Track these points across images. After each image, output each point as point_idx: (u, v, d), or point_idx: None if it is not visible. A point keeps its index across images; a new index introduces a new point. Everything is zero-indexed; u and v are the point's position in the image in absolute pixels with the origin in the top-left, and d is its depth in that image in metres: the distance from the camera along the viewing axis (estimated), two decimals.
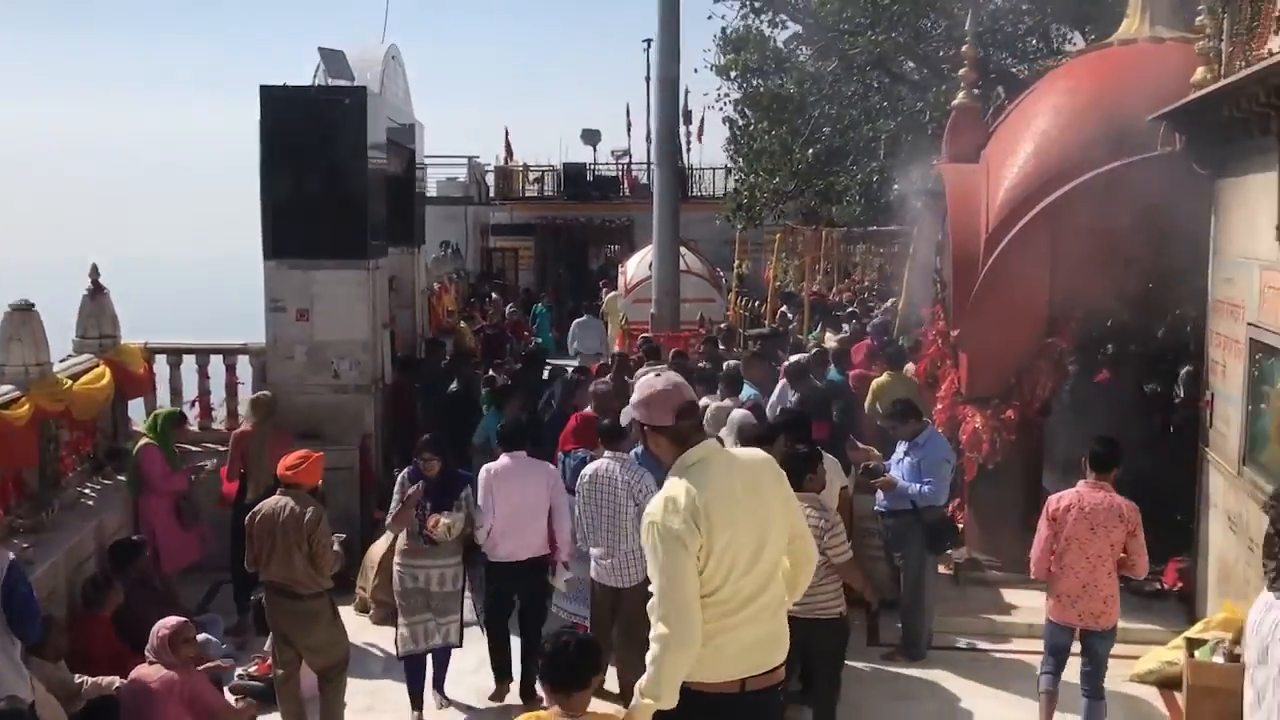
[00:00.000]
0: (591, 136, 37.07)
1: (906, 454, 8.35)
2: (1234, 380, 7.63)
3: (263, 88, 10.41)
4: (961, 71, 10.82)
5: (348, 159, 10.56)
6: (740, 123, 18.39)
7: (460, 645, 7.70)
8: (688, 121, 37.00)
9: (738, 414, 9.66)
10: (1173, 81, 9.00)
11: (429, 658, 7.63)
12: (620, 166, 37.23)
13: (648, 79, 40.37)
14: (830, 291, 20.90)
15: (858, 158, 15.71)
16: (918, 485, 8.17)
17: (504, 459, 7.75)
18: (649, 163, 38.16)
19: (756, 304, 21.54)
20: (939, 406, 9.96)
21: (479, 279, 30.81)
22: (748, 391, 10.44)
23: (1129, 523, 6.54)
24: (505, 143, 37.55)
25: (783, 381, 10.63)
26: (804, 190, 17.09)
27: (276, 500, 6.71)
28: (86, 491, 9.38)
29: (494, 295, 25.02)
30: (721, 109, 18.88)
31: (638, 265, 22.07)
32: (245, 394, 10.96)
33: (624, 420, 7.58)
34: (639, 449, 8.18)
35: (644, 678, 3.96)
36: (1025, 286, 9.29)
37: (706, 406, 10.03)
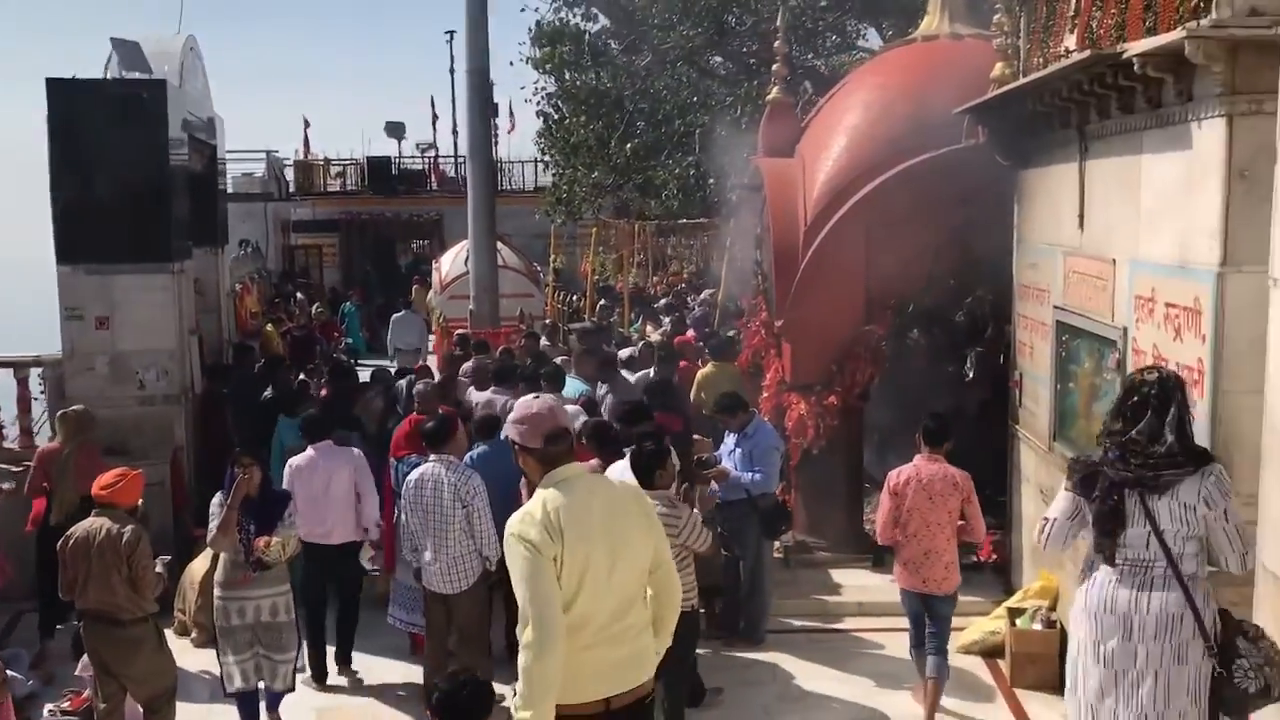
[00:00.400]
0: (396, 129, 36.39)
1: (737, 445, 8.44)
2: (1042, 361, 8.06)
3: (50, 81, 9.70)
4: (774, 67, 11.06)
5: (147, 156, 9.95)
6: (555, 116, 18.31)
7: (294, 689, 7.30)
8: (497, 114, 36.82)
9: (570, 410, 9.65)
10: (974, 76, 9.44)
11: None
12: (427, 160, 36.62)
13: (452, 71, 40.03)
14: (647, 285, 21.09)
15: (673, 152, 15.89)
16: (750, 474, 8.29)
17: (308, 450, 7.94)
18: (457, 156, 37.78)
19: (575, 298, 21.55)
20: (765, 395, 10.16)
21: (282, 278, 29.74)
22: (576, 387, 10.42)
23: (963, 490, 6.92)
24: (304, 136, 36.49)
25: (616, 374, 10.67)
26: (623, 184, 17.15)
27: (91, 522, 6.28)
28: None
29: (299, 295, 24.14)
30: (536, 103, 18.75)
31: (453, 261, 21.76)
32: (40, 410, 10.23)
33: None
34: (475, 451, 8.07)
35: (518, 693, 3.99)
36: (843, 276, 9.56)
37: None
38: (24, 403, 10.29)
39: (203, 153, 12.51)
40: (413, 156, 36.87)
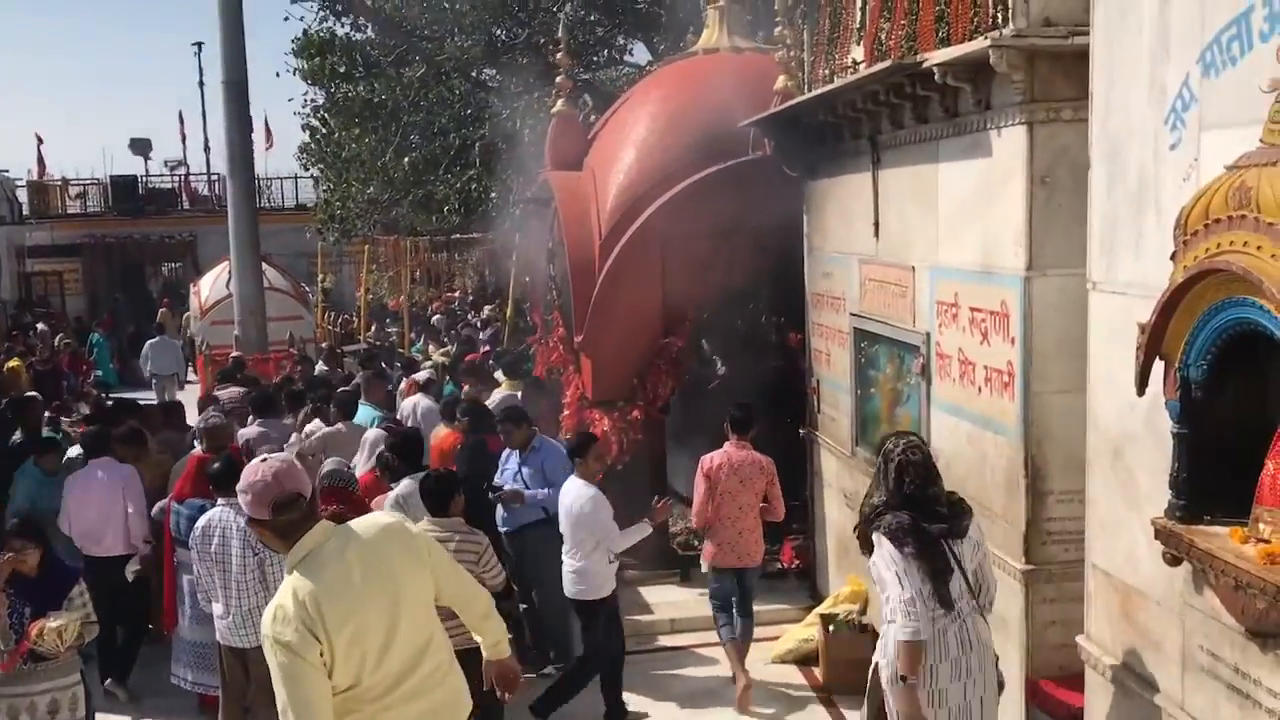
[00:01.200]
0: (141, 146, 34.30)
1: (523, 464, 8.14)
2: (840, 367, 8.19)
3: None
4: (558, 79, 10.89)
5: None
6: (323, 130, 17.54)
7: None
8: (253, 129, 35.19)
9: (373, 433, 9.14)
10: (757, 89, 9.59)
11: None
12: (177, 178, 34.64)
13: (202, 84, 38.06)
14: (426, 303, 20.57)
15: (450, 166, 15.46)
16: (544, 490, 8.01)
17: (89, 465, 8.11)
18: (210, 173, 35.96)
19: (347, 318, 20.79)
20: (566, 413, 9.96)
21: (19, 308, 27.54)
22: (368, 414, 9.94)
23: (767, 473, 7.59)
24: (38, 153, 33.90)
25: (414, 399, 10.26)
26: (400, 199, 16.58)
27: None
28: None
29: (40, 326, 22.32)
30: (303, 116, 17.90)
31: (213, 284, 20.59)
32: None
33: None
34: None
35: None
36: (640, 290, 9.47)
37: (311, 434, 9.45)
38: None
39: None
40: (161, 175, 34.85)
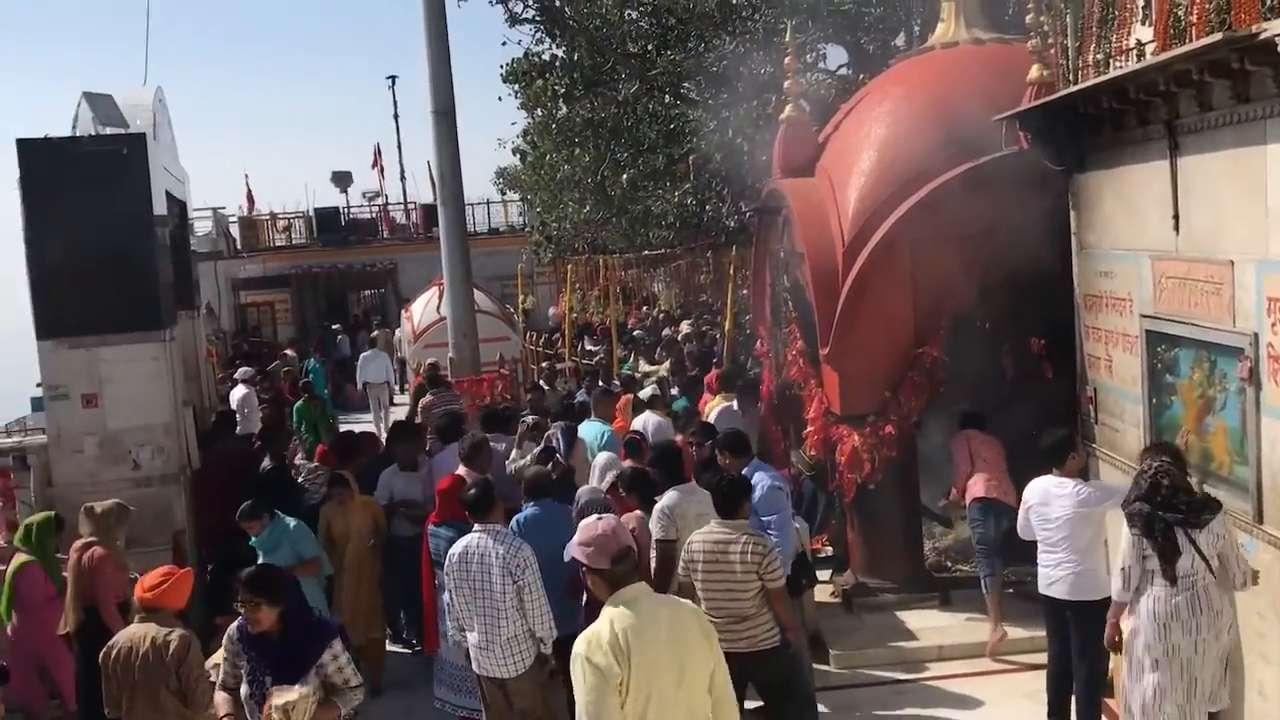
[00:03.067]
0: (342, 179, 35.56)
1: None
2: (1126, 374, 7.55)
3: (20, 141, 8.91)
4: (786, 84, 10.55)
5: (131, 216, 9.19)
6: (533, 153, 17.66)
7: None
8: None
9: (603, 458, 9.03)
10: (1004, 81, 9.06)
11: None
12: (376, 208, 35.84)
13: (396, 116, 39.43)
14: (625, 320, 20.52)
15: (660, 180, 15.30)
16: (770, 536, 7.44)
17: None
18: (406, 202, 37.09)
19: (553, 337, 20.93)
20: (810, 429, 9.59)
21: (237, 338, 28.84)
22: (596, 429, 9.80)
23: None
24: (247, 190, 35.55)
25: (644, 415, 10.10)
26: (613, 217, 16.54)
27: (135, 629, 5.53)
28: None
29: (288, 352, 23.36)
30: (505, 143, 18.08)
31: (424, 309, 21.07)
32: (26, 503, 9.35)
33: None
34: (523, 514, 7.38)
35: None
36: (889, 298, 9.06)
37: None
38: (7, 495, 9.41)
39: (176, 210, 11.72)
40: (361, 206, 36.07)
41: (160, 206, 9.88)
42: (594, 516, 4.59)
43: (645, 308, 24.14)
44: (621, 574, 4.35)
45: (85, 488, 9.23)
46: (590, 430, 9.88)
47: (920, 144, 9.25)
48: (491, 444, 9.17)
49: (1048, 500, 6.99)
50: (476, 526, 6.72)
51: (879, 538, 9.41)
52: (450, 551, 6.75)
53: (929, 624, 8.85)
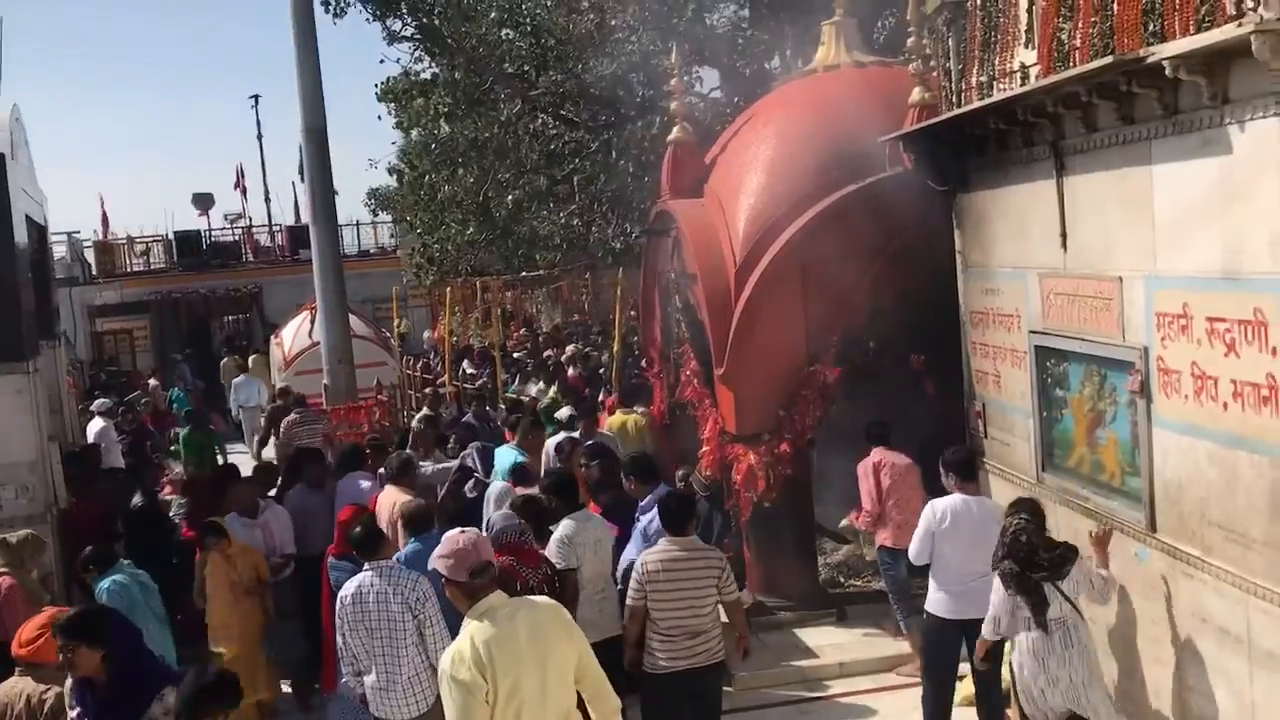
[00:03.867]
0: (203, 201, 34.45)
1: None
2: (1015, 389, 7.74)
3: None
4: (673, 105, 10.58)
5: None
6: (411, 173, 17.31)
7: None
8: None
9: (498, 487, 8.82)
10: (887, 103, 9.24)
11: None
12: (239, 231, 34.76)
13: (259, 136, 38.41)
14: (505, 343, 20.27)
15: (544, 202, 15.14)
16: None
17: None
18: (270, 225, 36.12)
19: (430, 361, 20.55)
20: (705, 449, 9.57)
21: (93, 368, 27.59)
22: (513, 455, 9.59)
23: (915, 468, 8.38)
24: (102, 214, 34.13)
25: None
26: (495, 238, 16.27)
27: (11, 685, 5.13)
28: None
29: (152, 382, 22.36)
30: (377, 163, 17.61)
31: (295, 334, 20.44)
32: None
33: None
34: (402, 552, 7.07)
35: None
36: (782, 318, 9.13)
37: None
38: None
39: (35, 234, 11.11)
40: (224, 228, 34.95)
41: (21, 231, 9.33)
42: (457, 530, 4.70)
43: (524, 330, 23.95)
44: (479, 587, 4.52)
45: None
46: (505, 457, 9.63)
47: (807, 164, 9.36)
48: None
49: (959, 520, 7.00)
50: (366, 565, 6.44)
51: (775, 556, 9.43)
52: (342, 593, 6.44)
53: (828, 640, 8.89)
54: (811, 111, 9.81)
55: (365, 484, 9.12)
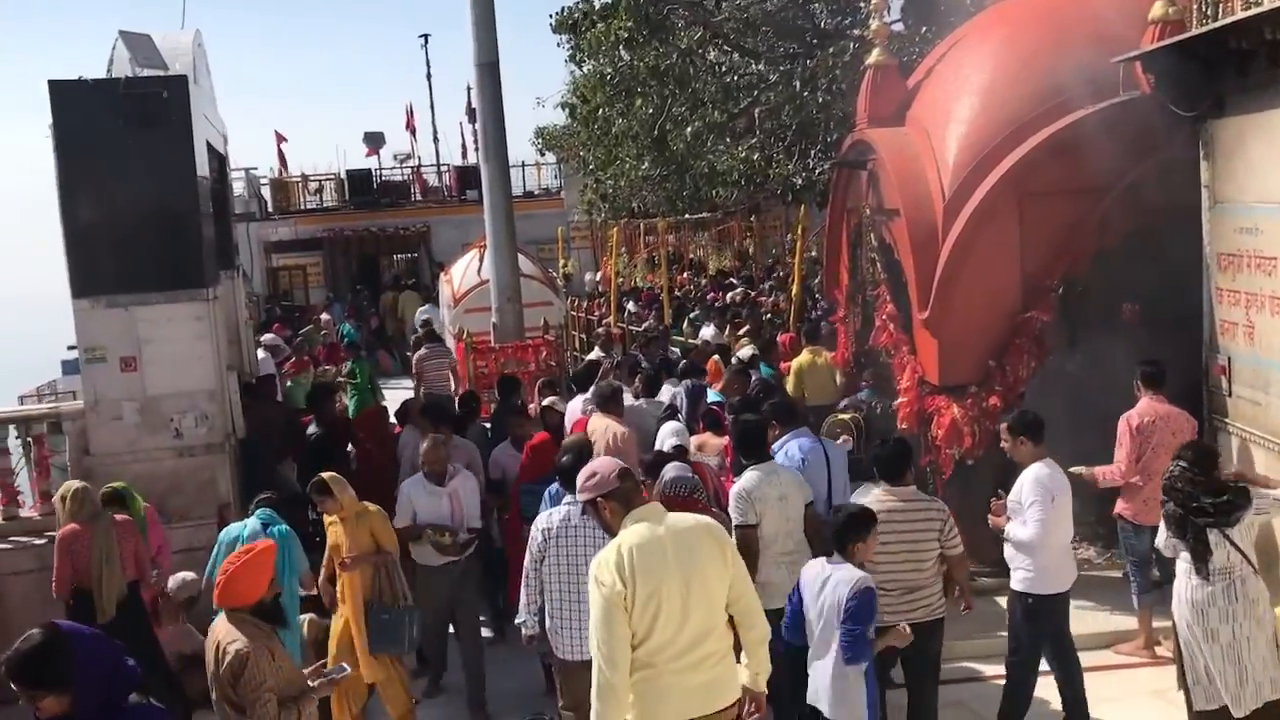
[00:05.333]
0: (375, 140, 34.71)
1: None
2: (1274, 341, 6.80)
3: (53, 83, 8.22)
4: (873, 26, 9.76)
5: (172, 164, 8.51)
6: (584, 107, 16.79)
7: None
8: (472, 119, 35.31)
9: (671, 426, 8.29)
10: (1116, 22, 8.27)
11: None
12: (409, 170, 35.07)
13: (429, 76, 38.64)
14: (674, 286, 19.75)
15: (720, 135, 14.44)
16: None
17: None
18: (439, 164, 36.33)
19: (595, 303, 20.21)
20: (902, 400, 8.85)
21: (268, 302, 28.28)
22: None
23: (1194, 425, 7.47)
24: (278, 152, 34.80)
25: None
26: (681, 173, 15.65)
27: (216, 624, 4.89)
28: None
29: (324, 316, 22.64)
30: (544, 101, 17.08)
31: (465, 272, 20.31)
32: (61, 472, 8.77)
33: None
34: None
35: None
36: (996, 258, 8.30)
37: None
38: (42, 464, 8.82)
39: (216, 164, 11.04)
40: (393, 167, 35.27)
41: (202, 156, 9.19)
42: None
43: (689, 273, 23.38)
44: (629, 490, 4.58)
45: (124, 457, 8.66)
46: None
47: (1030, 88, 8.45)
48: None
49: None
50: (567, 498, 6.12)
51: (978, 517, 8.64)
52: (541, 524, 6.11)
53: None
54: (1035, 30, 8.88)
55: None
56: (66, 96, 8.24)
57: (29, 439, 8.95)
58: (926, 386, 8.68)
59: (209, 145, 10.14)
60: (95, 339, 8.54)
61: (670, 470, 7.08)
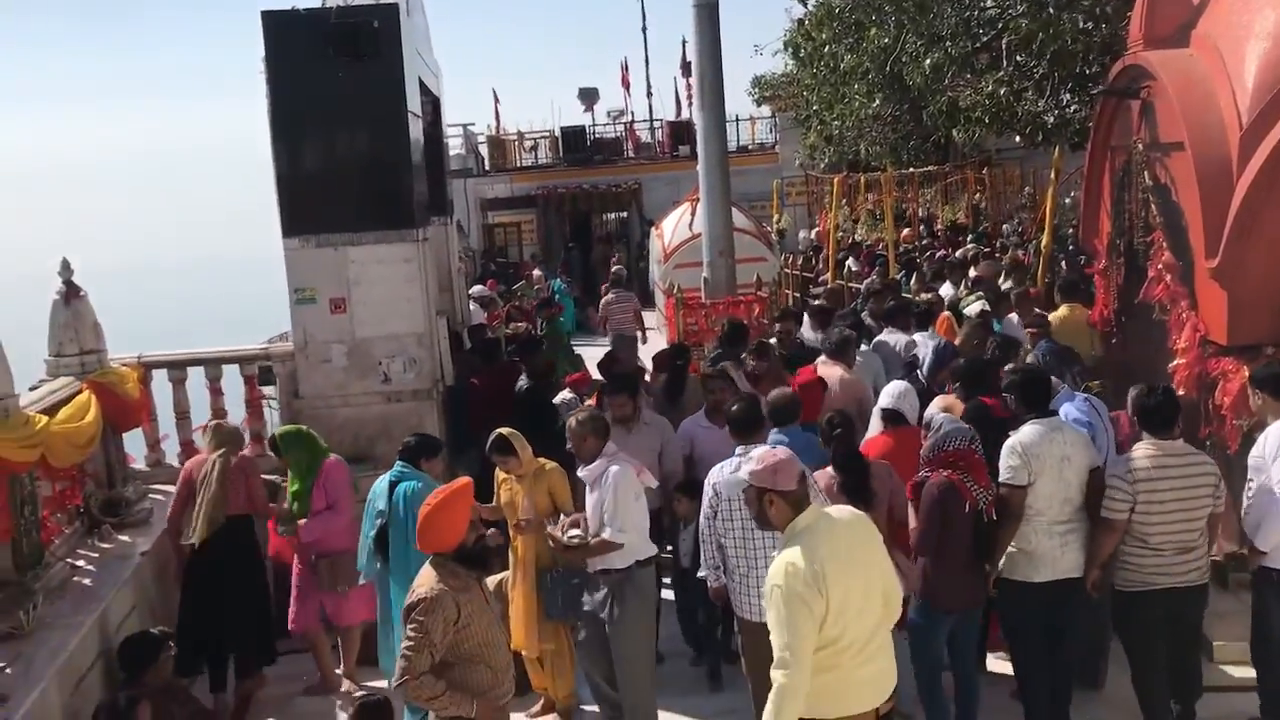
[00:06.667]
0: (589, 96, 34.60)
1: None
2: None
3: (265, 14, 7.98)
4: None
5: (382, 97, 8.16)
6: (809, 45, 15.83)
7: None
8: (686, 74, 34.69)
9: (898, 386, 7.37)
10: None
11: None
12: (621, 126, 34.79)
13: (644, 30, 38.14)
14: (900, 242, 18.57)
15: (965, 71, 13.23)
16: None
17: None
18: (652, 120, 35.92)
19: (811, 260, 19.30)
20: (1180, 361, 7.69)
21: (484, 257, 28.57)
22: None
23: None
24: (495, 109, 35.15)
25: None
26: (917, 110, 14.53)
27: (423, 577, 4.53)
28: (80, 565, 7.02)
29: (536, 271, 22.66)
30: (762, 49, 16.09)
31: (676, 226, 19.80)
32: (273, 414, 8.65)
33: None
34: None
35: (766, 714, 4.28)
36: None
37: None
38: (255, 405, 8.72)
39: (430, 103, 10.74)
40: (606, 124, 35.06)
41: (414, 92, 8.84)
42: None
43: (921, 227, 22.09)
44: (802, 495, 4.49)
45: (333, 400, 8.45)
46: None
47: None
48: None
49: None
50: (739, 449, 5.86)
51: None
52: (714, 478, 5.85)
53: None
54: None
55: None
56: (279, 28, 7.99)
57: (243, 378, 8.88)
58: (1211, 347, 7.49)
59: (421, 83, 9.81)
60: (305, 279, 8.33)
61: (944, 422, 6.22)
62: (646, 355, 13.42)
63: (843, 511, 4.66)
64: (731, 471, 5.67)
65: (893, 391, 7.06)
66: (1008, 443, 5.88)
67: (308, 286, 8.32)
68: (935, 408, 6.51)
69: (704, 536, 5.94)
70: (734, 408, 6.27)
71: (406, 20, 8.67)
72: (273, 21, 7.99)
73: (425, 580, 4.50)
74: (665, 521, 7.24)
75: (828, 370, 8.12)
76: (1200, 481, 5.68)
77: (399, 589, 6.04)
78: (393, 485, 6.42)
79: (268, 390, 9.20)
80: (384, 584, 6.49)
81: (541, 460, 6.47)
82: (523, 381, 9.70)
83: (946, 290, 12.84)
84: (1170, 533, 5.66)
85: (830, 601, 4.27)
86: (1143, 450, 5.74)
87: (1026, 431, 5.85)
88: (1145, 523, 5.64)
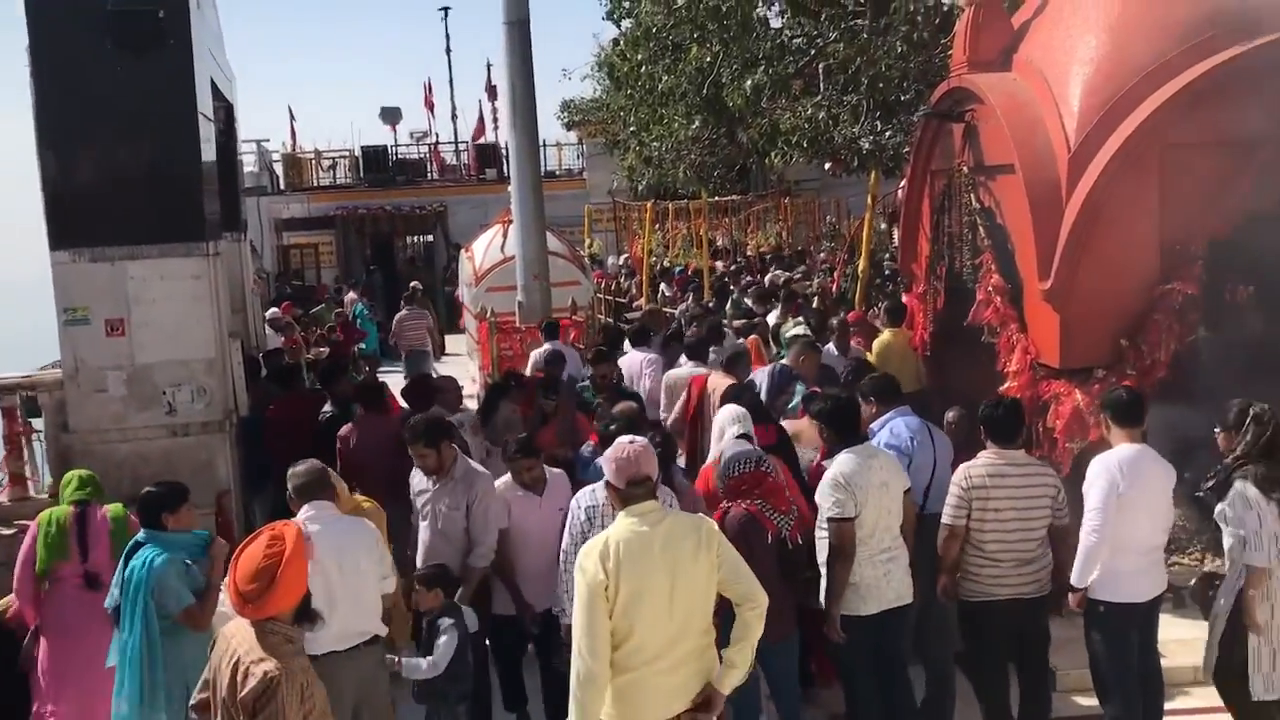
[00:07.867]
0: (391, 115, 33.60)
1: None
2: None
3: (30, 1, 7.03)
4: None
5: (168, 96, 7.29)
6: (625, 66, 15.55)
7: None
8: (492, 97, 34.20)
9: (733, 410, 7.06)
10: None
11: None
12: (425, 148, 33.90)
13: (448, 50, 37.42)
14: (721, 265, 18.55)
15: (782, 96, 13.16)
16: None
17: None
18: (457, 142, 35.18)
19: (624, 284, 19.08)
20: (1012, 384, 7.65)
21: (279, 280, 27.20)
22: None
23: None
24: (290, 127, 33.73)
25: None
26: (740, 130, 14.37)
27: (232, 632, 3.77)
28: None
29: (350, 295, 21.56)
30: (570, 74, 15.86)
31: (487, 248, 19.17)
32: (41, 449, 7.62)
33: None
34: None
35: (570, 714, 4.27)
36: (1131, 218, 7.12)
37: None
38: (12, 441, 7.66)
39: (222, 111, 9.86)
40: (409, 145, 34.11)
41: (205, 93, 8.00)
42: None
43: (729, 255, 22.19)
44: (634, 496, 4.39)
45: (110, 435, 7.49)
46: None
47: (1172, 22, 7.29)
48: None
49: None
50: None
51: None
52: (586, 501, 5.70)
53: (1170, 635, 6.89)
54: None
55: None
56: (45, 15, 7.01)
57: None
58: (1042, 369, 7.48)
59: (214, 86, 8.95)
60: (76, 297, 7.32)
61: (729, 448, 5.93)
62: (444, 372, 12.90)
63: (681, 516, 4.54)
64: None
65: (734, 415, 6.69)
66: (827, 475, 5.67)
67: (79, 305, 7.32)
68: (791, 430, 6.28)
69: (566, 565, 5.57)
70: (611, 427, 6.19)
71: (197, 12, 7.83)
72: (38, 7, 7.03)
73: (251, 650, 3.70)
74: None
75: (719, 380, 7.92)
76: (1039, 492, 5.64)
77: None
78: (127, 557, 5.30)
79: (36, 423, 8.17)
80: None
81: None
82: (327, 409, 8.99)
83: (773, 317, 12.75)
84: (1008, 542, 5.61)
85: (619, 588, 4.21)
86: (983, 458, 5.70)
87: (844, 461, 5.63)
88: (980, 530, 5.61)
